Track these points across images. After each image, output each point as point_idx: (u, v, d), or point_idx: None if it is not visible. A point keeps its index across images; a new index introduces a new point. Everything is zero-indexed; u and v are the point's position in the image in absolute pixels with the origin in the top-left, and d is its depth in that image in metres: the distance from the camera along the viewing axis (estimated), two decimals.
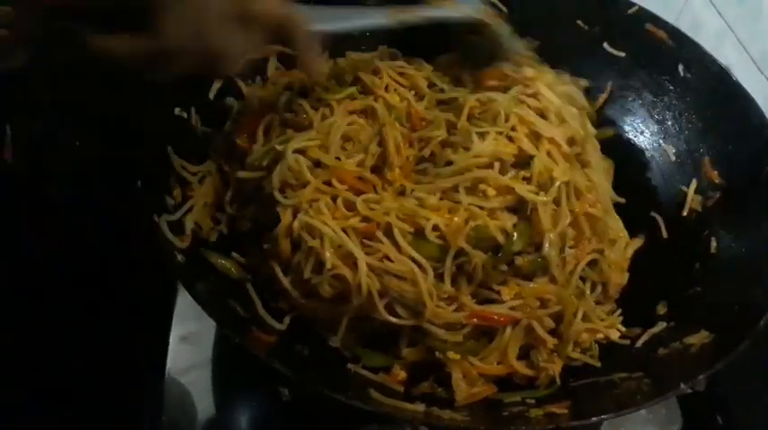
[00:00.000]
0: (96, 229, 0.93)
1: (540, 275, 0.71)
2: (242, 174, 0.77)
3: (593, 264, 0.76)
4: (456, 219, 0.68)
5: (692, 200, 0.84)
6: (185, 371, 0.78)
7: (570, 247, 0.75)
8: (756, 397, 0.82)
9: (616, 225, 0.83)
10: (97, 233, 0.92)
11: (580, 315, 0.72)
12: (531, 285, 0.71)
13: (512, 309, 0.69)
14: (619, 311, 0.78)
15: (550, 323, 0.71)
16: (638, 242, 0.83)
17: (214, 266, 0.73)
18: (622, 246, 0.82)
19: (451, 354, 0.67)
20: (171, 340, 0.79)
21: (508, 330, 0.69)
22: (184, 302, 0.82)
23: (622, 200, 0.86)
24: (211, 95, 0.85)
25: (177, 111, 0.79)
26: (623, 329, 0.76)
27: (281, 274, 0.70)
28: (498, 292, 0.69)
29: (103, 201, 0.91)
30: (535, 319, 0.69)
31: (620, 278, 0.79)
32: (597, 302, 0.77)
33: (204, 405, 0.76)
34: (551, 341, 0.71)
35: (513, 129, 0.73)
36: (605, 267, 0.77)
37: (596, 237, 0.76)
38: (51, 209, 0.94)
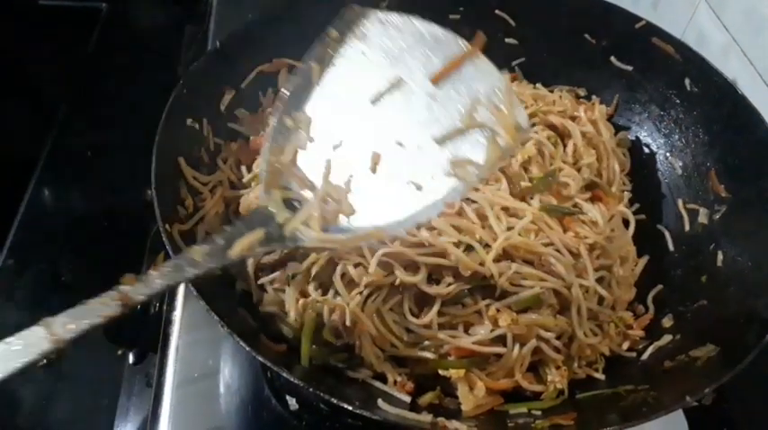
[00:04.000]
0: (109, 238, 0.95)
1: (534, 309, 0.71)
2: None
3: (600, 279, 0.76)
4: None
5: (699, 213, 0.84)
6: (193, 379, 0.78)
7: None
8: (764, 411, 0.82)
9: (626, 241, 0.83)
10: (109, 242, 0.93)
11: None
12: (528, 316, 0.70)
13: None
14: None
15: (556, 342, 0.72)
16: (645, 260, 0.84)
17: (224, 275, 0.74)
18: (631, 263, 0.82)
19: (454, 372, 0.68)
20: (179, 348, 0.80)
21: (516, 350, 0.69)
22: (193, 310, 0.83)
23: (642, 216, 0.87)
24: (223, 107, 0.86)
25: (189, 122, 0.80)
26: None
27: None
28: (495, 321, 0.69)
29: (116, 210, 0.92)
30: (543, 342, 0.70)
31: (627, 294, 0.80)
32: None
33: (212, 413, 0.76)
34: (559, 358, 0.71)
35: None
36: (613, 283, 0.78)
37: (604, 255, 0.76)
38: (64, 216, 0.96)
